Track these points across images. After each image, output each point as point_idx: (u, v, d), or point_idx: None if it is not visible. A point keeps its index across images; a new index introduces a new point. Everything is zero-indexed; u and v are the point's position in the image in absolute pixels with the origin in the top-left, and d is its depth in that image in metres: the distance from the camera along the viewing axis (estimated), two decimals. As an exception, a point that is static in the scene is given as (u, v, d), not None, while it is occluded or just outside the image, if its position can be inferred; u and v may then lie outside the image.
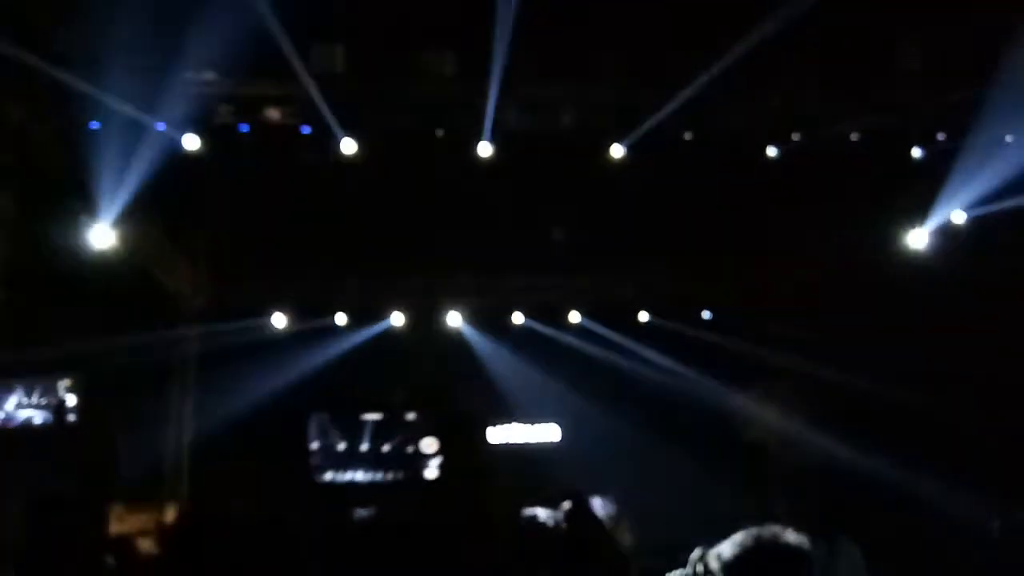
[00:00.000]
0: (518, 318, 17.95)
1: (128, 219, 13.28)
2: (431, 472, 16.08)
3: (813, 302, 17.06)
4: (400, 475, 15.65)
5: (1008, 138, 12.78)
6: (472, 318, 17.81)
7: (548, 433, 18.79)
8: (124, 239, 13.25)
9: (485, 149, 12.91)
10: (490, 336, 17.98)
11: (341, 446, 15.44)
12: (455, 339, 17.89)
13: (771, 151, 13.72)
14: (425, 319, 17.79)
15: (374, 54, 12.24)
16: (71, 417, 15.68)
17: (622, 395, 17.87)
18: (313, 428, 16.00)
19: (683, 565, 3.46)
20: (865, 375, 15.95)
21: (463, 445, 14.67)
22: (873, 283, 16.01)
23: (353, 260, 16.93)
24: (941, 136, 13.57)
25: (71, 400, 15.64)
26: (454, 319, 17.70)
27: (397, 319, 17.67)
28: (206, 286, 17.29)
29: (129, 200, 12.95)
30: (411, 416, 13.29)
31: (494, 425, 18.17)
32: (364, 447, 14.50)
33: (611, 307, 18.08)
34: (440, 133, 13.02)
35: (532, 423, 18.67)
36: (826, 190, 14.89)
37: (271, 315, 17.36)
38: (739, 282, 17.92)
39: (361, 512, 11.32)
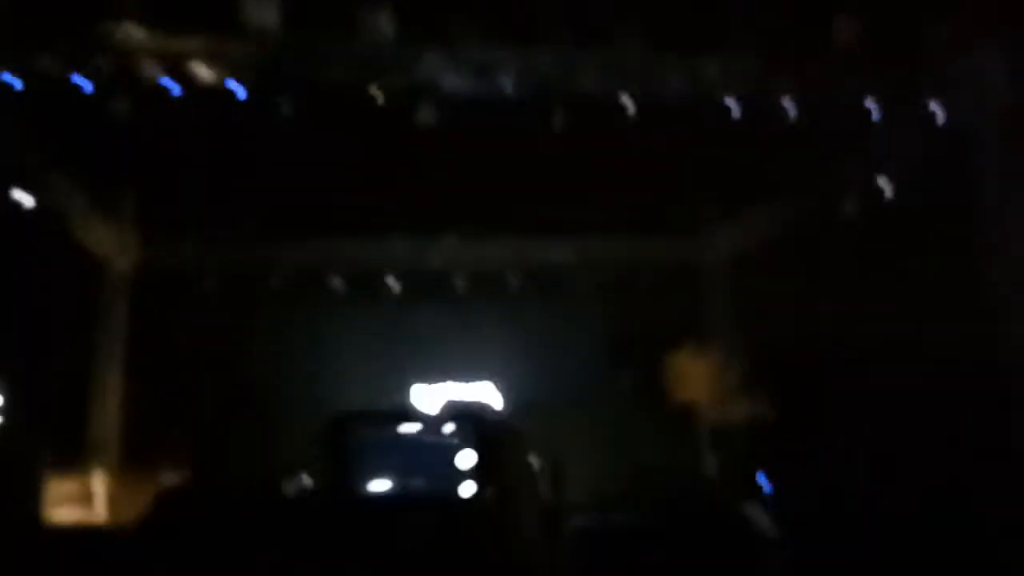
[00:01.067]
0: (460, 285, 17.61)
1: (47, 179, 12.52)
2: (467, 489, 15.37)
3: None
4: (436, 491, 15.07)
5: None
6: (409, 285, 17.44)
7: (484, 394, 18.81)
8: (43, 200, 12.50)
9: (425, 113, 12.31)
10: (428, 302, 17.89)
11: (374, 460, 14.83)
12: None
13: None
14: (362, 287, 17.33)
15: (312, 8, 11.50)
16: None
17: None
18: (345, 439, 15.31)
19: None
20: (802, 332, 16.19)
21: (502, 461, 14.55)
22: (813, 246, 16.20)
23: (288, 224, 16.42)
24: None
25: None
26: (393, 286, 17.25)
27: (337, 285, 17.17)
28: (133, 248, 16.51)
29: (47, 159, 12.19)
30: (449, 428, 13.09)
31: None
32: (398, 460, 13.97)
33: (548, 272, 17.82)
34: (378, 95, 12.31)
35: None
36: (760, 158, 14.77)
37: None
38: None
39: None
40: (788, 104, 12.80)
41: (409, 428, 11.91)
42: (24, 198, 11.97)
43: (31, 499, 12.26)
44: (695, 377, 17.80)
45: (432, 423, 12.68)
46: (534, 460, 7.57)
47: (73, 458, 15.36)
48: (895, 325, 14.50)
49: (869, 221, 14.60)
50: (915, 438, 13.71)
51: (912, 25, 12.43)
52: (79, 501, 15.25)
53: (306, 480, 13.30)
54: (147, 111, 11.80)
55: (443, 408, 13.61)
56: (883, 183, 14.03)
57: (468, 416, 12.33)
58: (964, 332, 12.76)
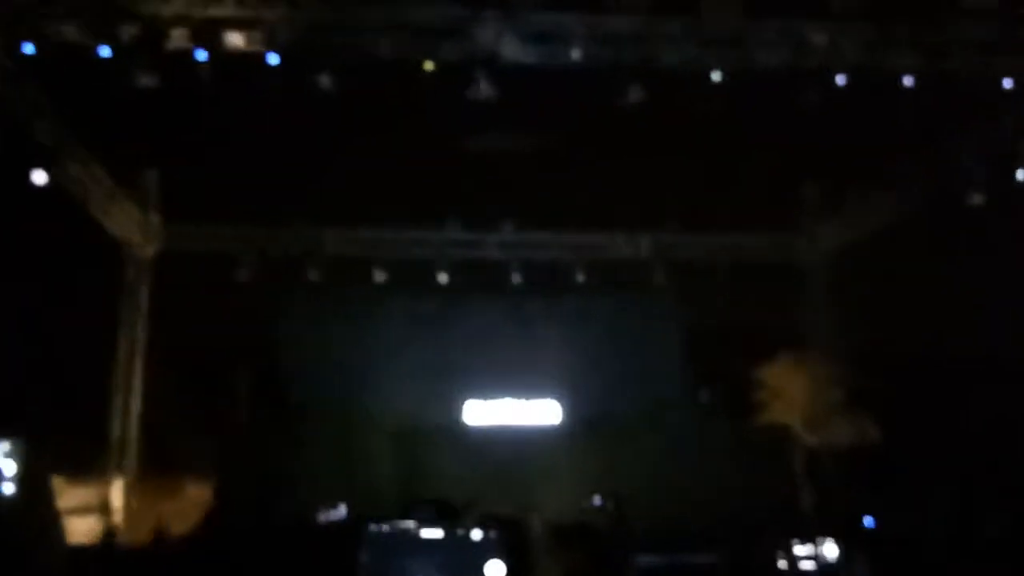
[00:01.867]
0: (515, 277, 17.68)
1: (66, 156, 12.99)
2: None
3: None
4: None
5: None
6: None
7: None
8: (61, 179, 13.00)
9: (482, 87, 12.19)
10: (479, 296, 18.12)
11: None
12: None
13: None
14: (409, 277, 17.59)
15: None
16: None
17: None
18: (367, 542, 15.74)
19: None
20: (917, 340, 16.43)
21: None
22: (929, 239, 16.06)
23: (330, 207, 16.79)
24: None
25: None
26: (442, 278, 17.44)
27: (382, 277, 17.36)
28: (158, 232, 17.04)
29: (67, 135, 12.61)
30: (477, 536, 13.50)
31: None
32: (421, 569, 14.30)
33: (620, 269, 17.88)
34: (429, 65, 12.31)
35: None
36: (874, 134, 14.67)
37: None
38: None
39: None
40: (905, 78, 12.52)
41: (433, 534, 12.25)
42: (41, 177, 12.39)
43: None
44: (791, 392, 17.60)
45: (459, 531, 13.04)
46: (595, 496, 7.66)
47: (92, 463, 15.89)
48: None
49: (997, 211, 14.12)
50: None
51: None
52: (97, 511, 15.75)
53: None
54: (176, 83, 12.05)
55: (473, 515, 14.15)
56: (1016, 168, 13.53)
57: (499, 524, 12.68)
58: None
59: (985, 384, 16.31)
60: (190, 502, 16.69)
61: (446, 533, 13.20)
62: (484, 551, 13.66)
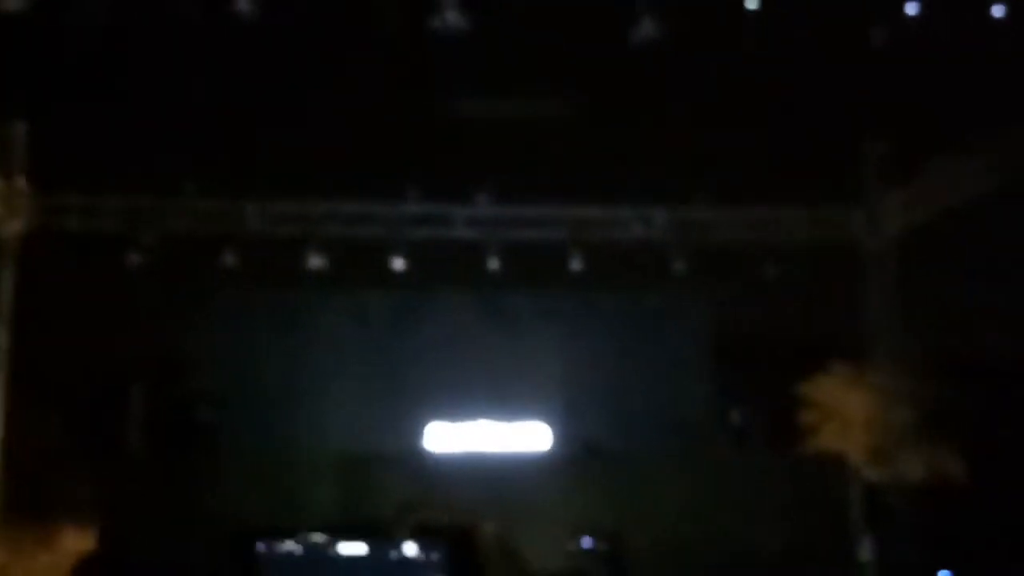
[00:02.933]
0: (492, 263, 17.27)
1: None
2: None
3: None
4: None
5: None
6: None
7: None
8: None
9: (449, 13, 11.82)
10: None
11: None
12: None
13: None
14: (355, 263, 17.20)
15: None
16: None
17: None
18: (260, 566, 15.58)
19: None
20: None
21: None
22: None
23: (251, 173, 16.48)
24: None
25: None
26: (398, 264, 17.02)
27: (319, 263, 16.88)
28: (25, 203, 16.50)
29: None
30: (412, 552, 13.27)
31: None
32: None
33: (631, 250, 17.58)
34: None
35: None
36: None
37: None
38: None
39: None
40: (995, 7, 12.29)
41: (354, 549, 12.29)
42: None
43: None
44: (847, 413, 17.49)
45: (389, 544, 13.25)
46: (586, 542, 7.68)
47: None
48: None
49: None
50: None
51: None
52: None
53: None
54: (50, 9, 11.86)
55: (409, 524, 14.34)
56: None
57: (441, 536, 12.75)
58: None
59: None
60: (69, 555, 16.39)
61: (371, 549, 13.27)
62: (420, 572, 13.68)
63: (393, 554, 13.19)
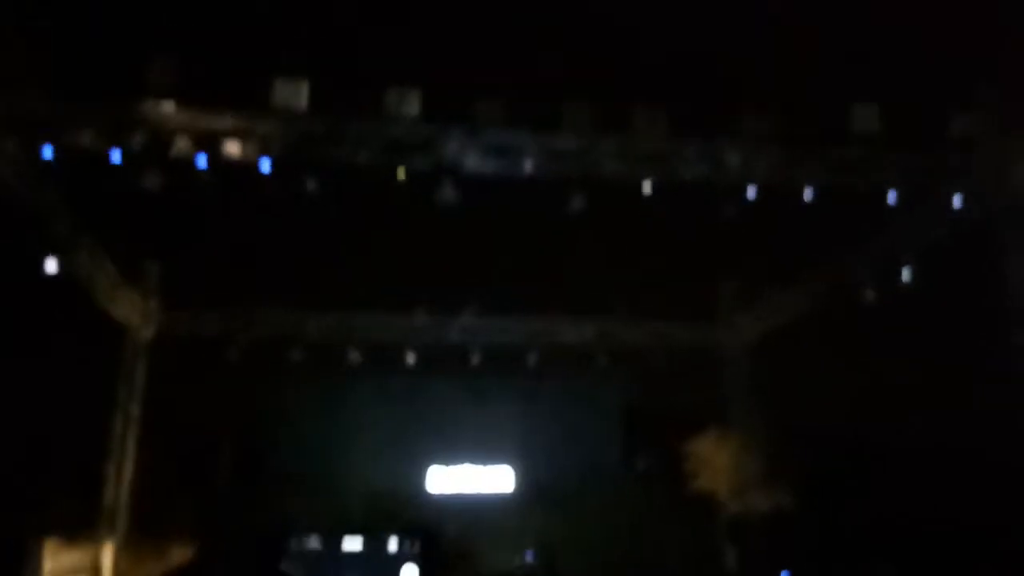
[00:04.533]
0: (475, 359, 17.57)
1: (78, 248, 12.84)
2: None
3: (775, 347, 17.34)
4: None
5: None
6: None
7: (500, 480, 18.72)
8: (72, 267, 12.83)
9: (447, 192, 12.45)
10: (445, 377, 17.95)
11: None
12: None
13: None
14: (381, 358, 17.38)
15: (338, 90, 11.89)
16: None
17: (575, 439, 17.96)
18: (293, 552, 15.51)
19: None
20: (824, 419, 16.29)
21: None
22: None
23: (312, 296, 16.67)
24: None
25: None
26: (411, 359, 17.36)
27: (355, 358, 17.15)
28: (156, 316, 16.81)
29: (79, 228, 12.48)
30: (393, 546, 13.27)
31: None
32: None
33: (567, 351, 17.81)
34: (402, 173, 12.41)
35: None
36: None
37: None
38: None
39: None
40: (808, 190, 12.76)
41: (352, 544, 12.08)
42: (53, 266, 12.23)
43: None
44: (716, 464, 17.51)
45: (376, 539, 13.09)
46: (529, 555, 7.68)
47: (84, 528, 15.26)
48: (918, 412, 14.33)
49: (889, 306, 14.45)
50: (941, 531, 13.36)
51: (935, 115, 12.53)
52: (88, 572, 15.13)
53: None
54: (178, 185, 11.95)
55: (389, 523, 14.22)
56: (903, 268, 13.90)
57: (413, 532, 12.69)
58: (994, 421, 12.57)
59: (887, 460, 16.44)
60: (175, 563, 16.18)
61: (365, 544, 13.02)
62: (400, 559, 13.41)
63: (381, 548, 13.10)
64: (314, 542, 13.84)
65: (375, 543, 12.82)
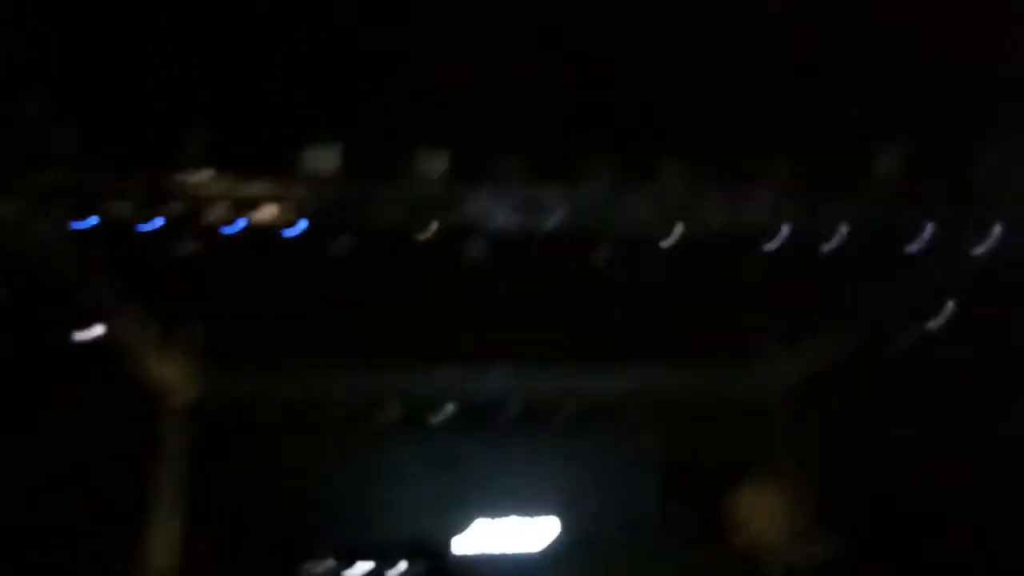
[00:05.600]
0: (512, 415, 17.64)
1: (120, 313, 13.20)
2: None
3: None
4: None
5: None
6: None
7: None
8: (117, 334, 13.18)
9: (475, 248, 12.66)
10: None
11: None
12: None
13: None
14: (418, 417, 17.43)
15: (368, 153, 12.18)
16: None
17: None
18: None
19: None
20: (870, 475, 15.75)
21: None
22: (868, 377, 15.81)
23: (345, 355, 16.80)
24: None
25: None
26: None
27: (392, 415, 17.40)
28: (197, 379, 17.06)
29: (124, 295, 12.85)
30: (403, 568, 13.36)
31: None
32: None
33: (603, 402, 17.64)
34: (431, 230, 12.60)
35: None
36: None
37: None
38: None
39: None
40: (839, 233, 12.67)
41: (363, 567, 12.03)
42: (96, 331, 12.59)
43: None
44: (760, 515, 17.14)
45: (386, 561, 13.02)
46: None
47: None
48: (967, 459, 13.93)
49: (926, 351, 14.16)
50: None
51: (963, 152, 12.42)
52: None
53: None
54: (214, 251, 12.23)
55: (400, 546, 14.14)
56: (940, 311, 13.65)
57: (423, 554, 12.57)
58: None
59: (939, 508, 15.95)
60: None
61: (375, 567, 12.84)
62: None
63: (389, 571, 13.06)
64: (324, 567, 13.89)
65: (382, 567, 12.87)
